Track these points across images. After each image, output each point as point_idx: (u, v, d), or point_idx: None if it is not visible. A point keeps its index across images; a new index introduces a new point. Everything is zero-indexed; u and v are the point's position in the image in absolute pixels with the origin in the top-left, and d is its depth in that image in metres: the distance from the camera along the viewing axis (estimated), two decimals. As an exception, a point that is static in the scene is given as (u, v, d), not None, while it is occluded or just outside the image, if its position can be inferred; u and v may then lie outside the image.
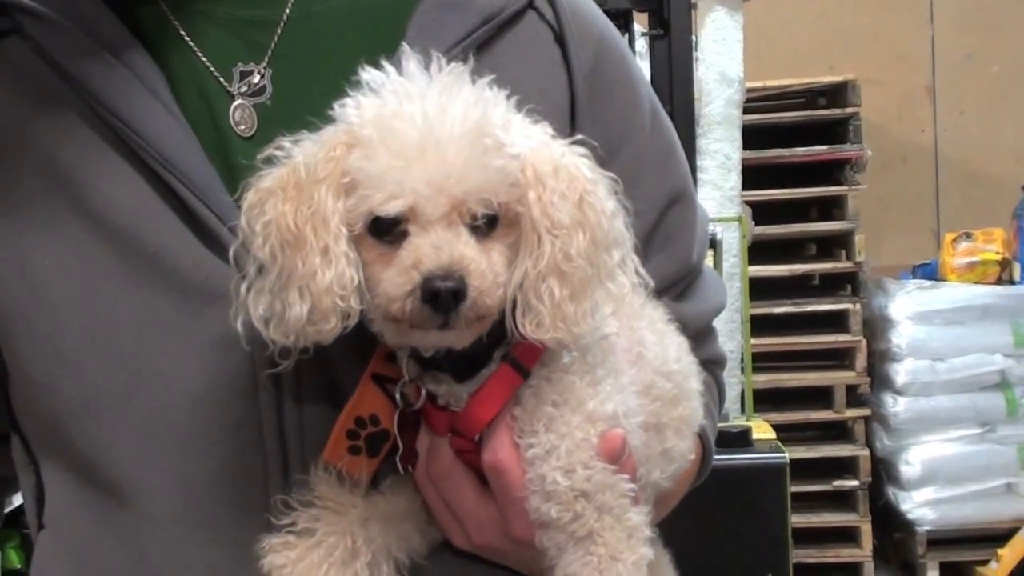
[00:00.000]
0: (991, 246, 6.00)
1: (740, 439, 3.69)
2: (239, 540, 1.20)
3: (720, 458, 3.58)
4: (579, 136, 1.14)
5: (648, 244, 1.34)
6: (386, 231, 1.05)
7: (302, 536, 1.16)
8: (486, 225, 1.06)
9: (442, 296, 1.02)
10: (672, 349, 1.29)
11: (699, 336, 1.42)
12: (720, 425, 3.72)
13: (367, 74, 1.08)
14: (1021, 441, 5.68)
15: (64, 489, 1.28)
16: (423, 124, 1.03)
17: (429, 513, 1.21)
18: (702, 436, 1.39)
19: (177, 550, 1.22)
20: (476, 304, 1.04)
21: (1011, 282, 5.94)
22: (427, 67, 1.08)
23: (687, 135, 4.06)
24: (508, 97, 1.10)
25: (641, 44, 4.42)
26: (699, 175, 4.87)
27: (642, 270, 1.15)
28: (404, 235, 1.05)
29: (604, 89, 1.34)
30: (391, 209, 1.03)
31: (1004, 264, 5.98)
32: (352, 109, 1.07)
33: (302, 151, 1.08)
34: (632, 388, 1.19)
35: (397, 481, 1.21)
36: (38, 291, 1.23)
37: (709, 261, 3.89)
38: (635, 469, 1.16)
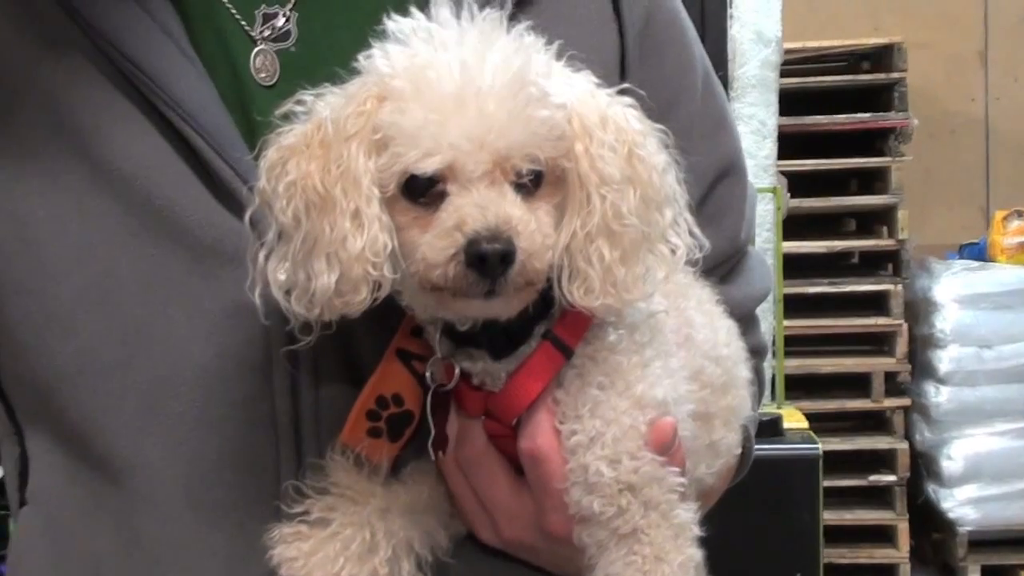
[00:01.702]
0: (1045, 225, 5.98)
1: (770, 428, 3.67)
2: (245, 527, 1.18)
3: (748, 448, 3.46)
4: (625, 85, 1.13)
5: (694, 218, 1.33)
6: (421, 192, 1.04)
7: (316, 526, 1.15)
8: (531, 183, 1.05)
9: (489, 260, 1.00)
10: (722, 332, 1.28)
11: (741, 322, 1.40)
12: (749, 413, 3.66)
13: (393, 23, 1.06)
14: (1073, 437, 5.66)
15: (51, 463, 1.26)
16: (460, 74, 1.02)
17: (453, 504, 1.20)
18: (744, 430, 1.38)
19: (175, 534, 1.20)
20: (525, 268, 1.02)
21: (1065, 265, 5.91)
22: (459, 16, 1.07)
23: (720, 99, 4.01)
24: (550, 46, 1.09)
25: (672, -1, 4.38)
26: (731, 142, 4.83)
27: (696, 230, 1.13)
28: (442, 196, 1.03)
29: (656, 49, 1.33)
30: (428, 167, 1.02)
31: (1058, 245, 5.96)
32: (381, 60, 1.06)
33: (327, 105, 1.07)
34: (682, 373, 1.18)
35: (418, 469, 1.19)
36: (31, 245, 1.21)
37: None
38: (684, 462, 1.15)
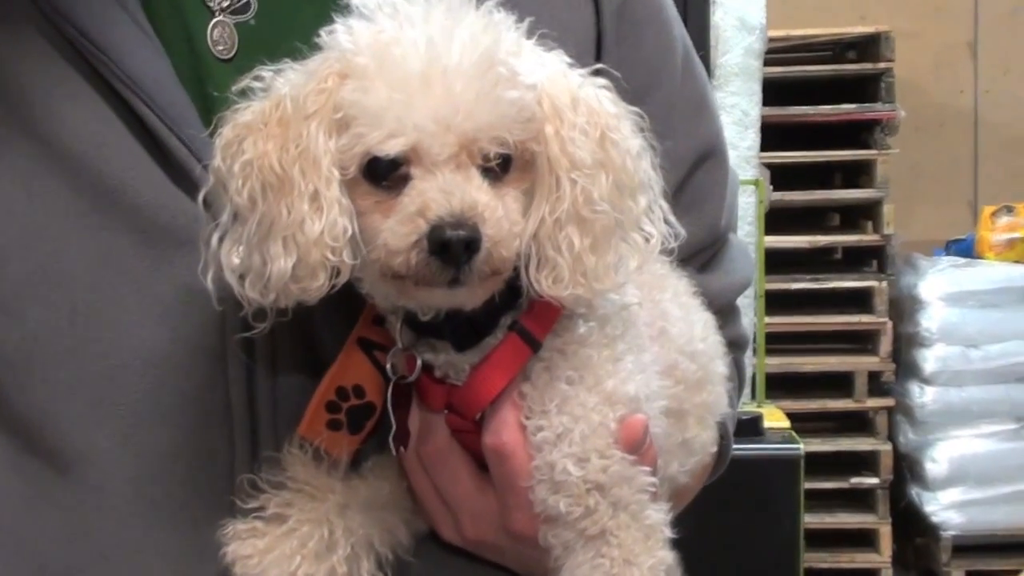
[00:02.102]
0: (1034, 222, 5.97)
1: (750, 427, 3.66)
2: (197, 522, 1.17)
3: (727, 447, 3.42)
4: (599, 65, 1.11)
5: (672, 205, 1.29)
6: (384, 175, 1.03)
7: (271, 523, 1.14)
8: (499, 167, 1.04)
9: (453, 247, 0.99)
10: (698, 326, 1.27)
11: (721, 313, 1.39)
12: (729, 411, 3.63)
13: None
14: (1061, 440, 5.66)
15: None
16: (427, 52, 1.01)
17: (416, 501, 1.19)
18: (721, 427, 1.37)
19: (125, 529, 1.19)
20: (491, 256, 1.01)
21: (1056, 263, 5.91)
22: None
23: (701, 87, 4.01)
24: (520, 23, 1.08)
25: (654, -17, 4.36)
26: (712, 132, 4.82)
27: (672, 218, 1.13)
28: (405, 179, 1.02)
29: (633, 28, 1.32)
30: (391, 149, 1.00)
31: (1049, 242, 5.96)
32: (344, 35, 1.04)
33: (287, 82, 1.05)
34: (655, 368, 1.17)
35: (380, 463, 1.18)
36: None
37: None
38: (656, 461, 1.14)
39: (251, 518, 1.14)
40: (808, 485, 3.83)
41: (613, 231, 1.07)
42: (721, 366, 1.31)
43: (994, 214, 6.05)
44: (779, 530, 3.65)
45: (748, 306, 4.68)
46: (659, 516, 1.11)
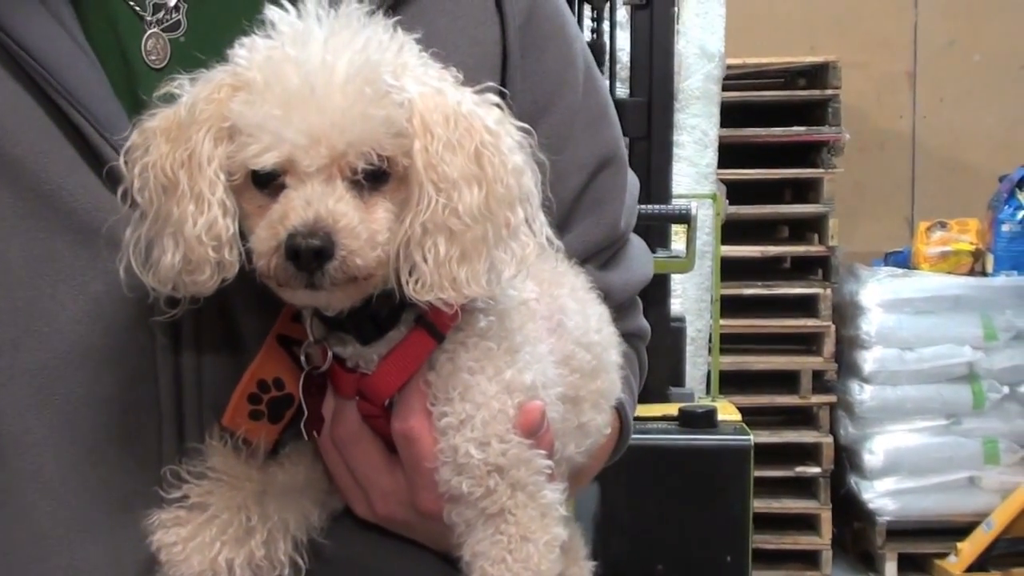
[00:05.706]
0: (965, 236, 5.98)
1: (705, 419, 3.61)
2: (129, 505, 1.14)
3: (684, 438, 3.41)
4: (488, 84, 1.08)
5: (575, 208, 1.32)
6: (266, 183, 1.01)
7: (194, 511, 1.12)
8: (373, 180, 1.01)
9: (303, 254, 0.97)
10: (593, 319, 1.25)
11: (623, 307, 1.38)
12: (685, 405, 3.58)
13: (272, 12, 1.03)
14: (986, 434, 5.66)
15: None
16: (308, 71, 0.99)
17: (330, 482, 1.17)
18: (620, 410, 1.35)
19: (62, 511, 1.16)
20: (346, 264, 0.99)
21: (983, 274, 5.91)
22: (327, 10, 1.03)
23: (666, 109, 3.92)
24: (428, 46, 1.06)
25: (622, 14, 4.30)
26: (675, 151, 4.76)
27: (550, 231, 1.10)
28: (283, 187, 1.00)
29: (537, 43, 1.30)
30: (266, 162, 0.99)
31: (977, 255, 5.96)
32: (243, 50, 1.03)
33: (190, 90, 1.04)
34: (551, 358, 1.16)
35: (296, 450, 1.17)
36: None
37: (682, 238, 3.77)
38: (552, 444, 1.13)
39: (175, 507, 1.12)
40: (757, 473, 3.78)
41: (483, 241, 1.04)
42: (615, 355, 1.29)
43: (929, 229, 6.05)
44: (730, 513, 3.59)
45: (705, 309, 4.62)
46: (555, 496, 1.10)
